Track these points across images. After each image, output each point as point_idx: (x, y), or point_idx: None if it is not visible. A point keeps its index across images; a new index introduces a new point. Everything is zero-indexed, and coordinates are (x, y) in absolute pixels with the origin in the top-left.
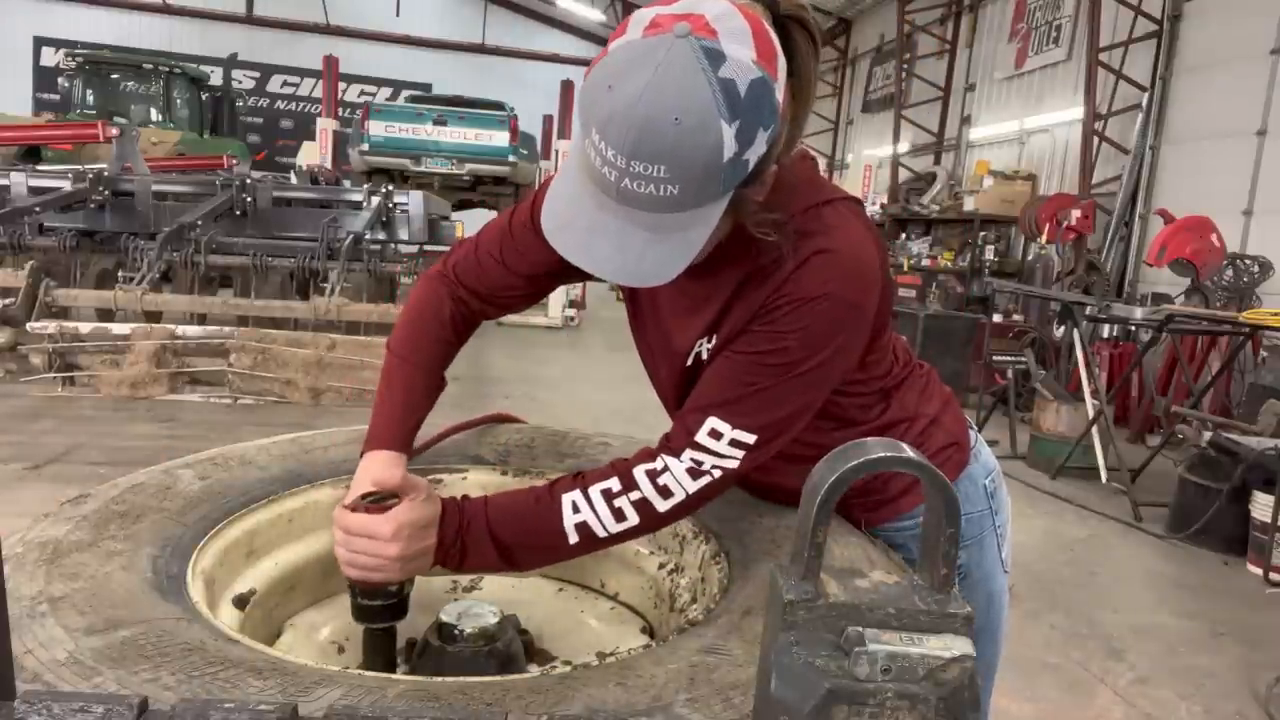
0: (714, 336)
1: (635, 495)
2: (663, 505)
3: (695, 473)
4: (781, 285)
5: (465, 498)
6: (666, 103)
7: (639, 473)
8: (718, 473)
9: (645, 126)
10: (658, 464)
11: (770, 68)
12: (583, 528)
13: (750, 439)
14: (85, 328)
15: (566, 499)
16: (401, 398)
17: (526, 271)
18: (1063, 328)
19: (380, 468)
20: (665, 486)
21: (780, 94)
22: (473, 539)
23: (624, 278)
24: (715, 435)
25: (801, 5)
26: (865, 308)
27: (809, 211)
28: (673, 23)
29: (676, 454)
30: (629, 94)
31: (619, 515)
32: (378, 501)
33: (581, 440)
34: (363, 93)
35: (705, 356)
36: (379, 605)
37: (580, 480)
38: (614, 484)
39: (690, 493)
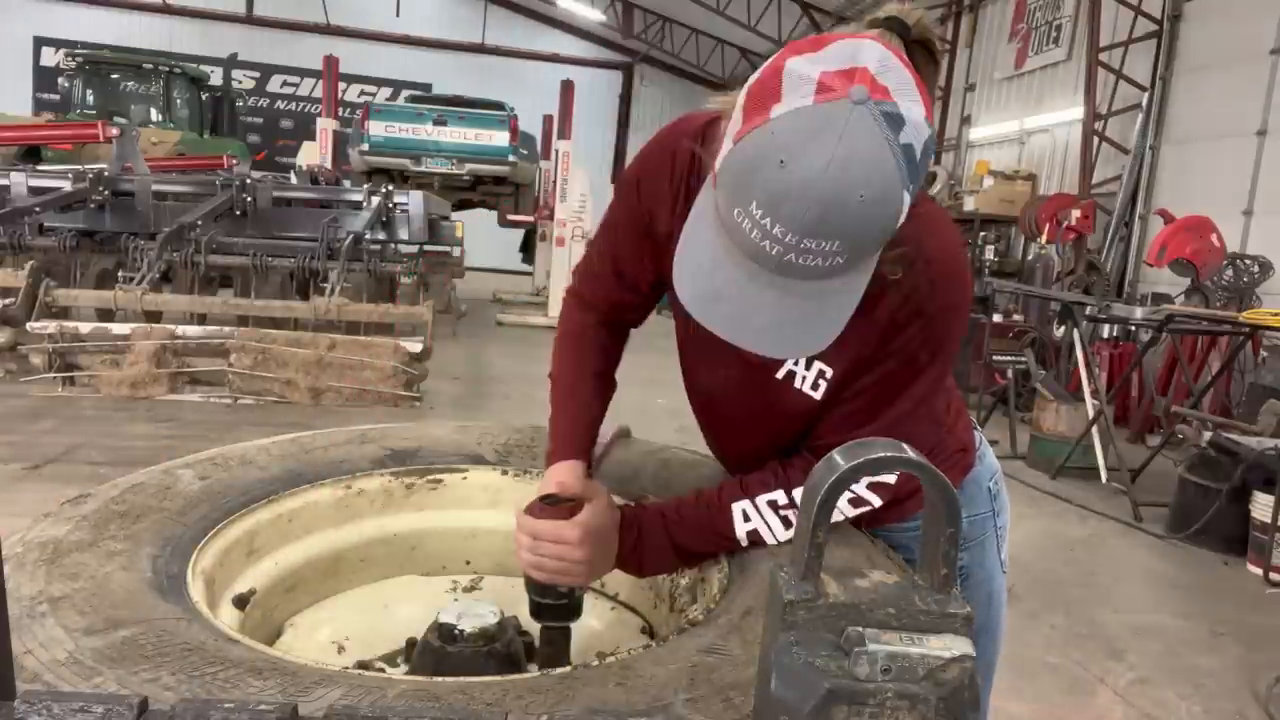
0: (832, 362)
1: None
2: None
3: (857, 501)
4: (902, 305)
5: (641, 506)
6: (852, 179)
7: (799, 495)
8: (877, 500)
9: (829, 205)
10: None
11: (932, 118)
12: (754, 534)
13: None
14: (85, 328)
15: (737, 508)
16: (571, 410)
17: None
18: (1063, 328)
19: (562, 473)
20: None
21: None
22: (651, 546)
23: (784, 351)
24: None
25: (928, 27)
26: (969, 301)
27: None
28: (844, 84)
29: None
30: (809, 172)
31: (786, 524)
32: (554, 503)
33: None
34: (363, 93)
35: (809, 383)
36: (553, 604)
37: (746, 489)
38: (779, 497)
39: (849, 516)
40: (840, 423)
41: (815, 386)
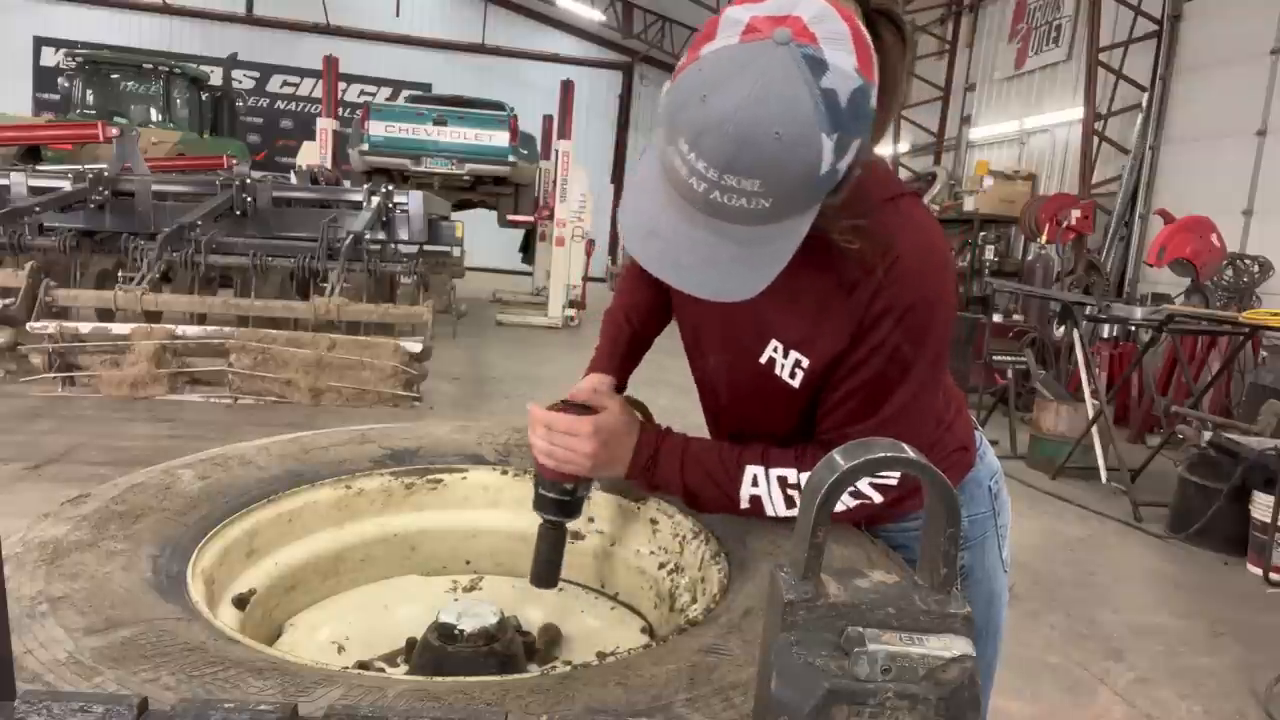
0: (808, 352)
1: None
2: None
3: (856, 494)
4: (873, 300)
5: (664, 433)
6: (768, 115)
7: (805, 480)
8: (878, 497)
9: (744, 140)
10: None
11: (869, 73)
12: (755, 500)
13: None
14: (85, 328)
15: (749, 470)
16: (608, 343)
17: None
18: (1063, 328)
19: (592, 383)
20: None
21: (874, 98)
22: (662, 474)
23: (710, 293)
24: None
25: None
26: (955, 296)
27: (883, 207)
28: (771, 27)
29: None
30: (726, 106)
31: (789, 503)
32: (573, 408)
33: None
34: (363, 93)
35: (787, 371)
36: (555, 499)
37: (765, 457)
38: (790, 474)
39: (850, 507)
40: (841, 422)
41: (793, 375)
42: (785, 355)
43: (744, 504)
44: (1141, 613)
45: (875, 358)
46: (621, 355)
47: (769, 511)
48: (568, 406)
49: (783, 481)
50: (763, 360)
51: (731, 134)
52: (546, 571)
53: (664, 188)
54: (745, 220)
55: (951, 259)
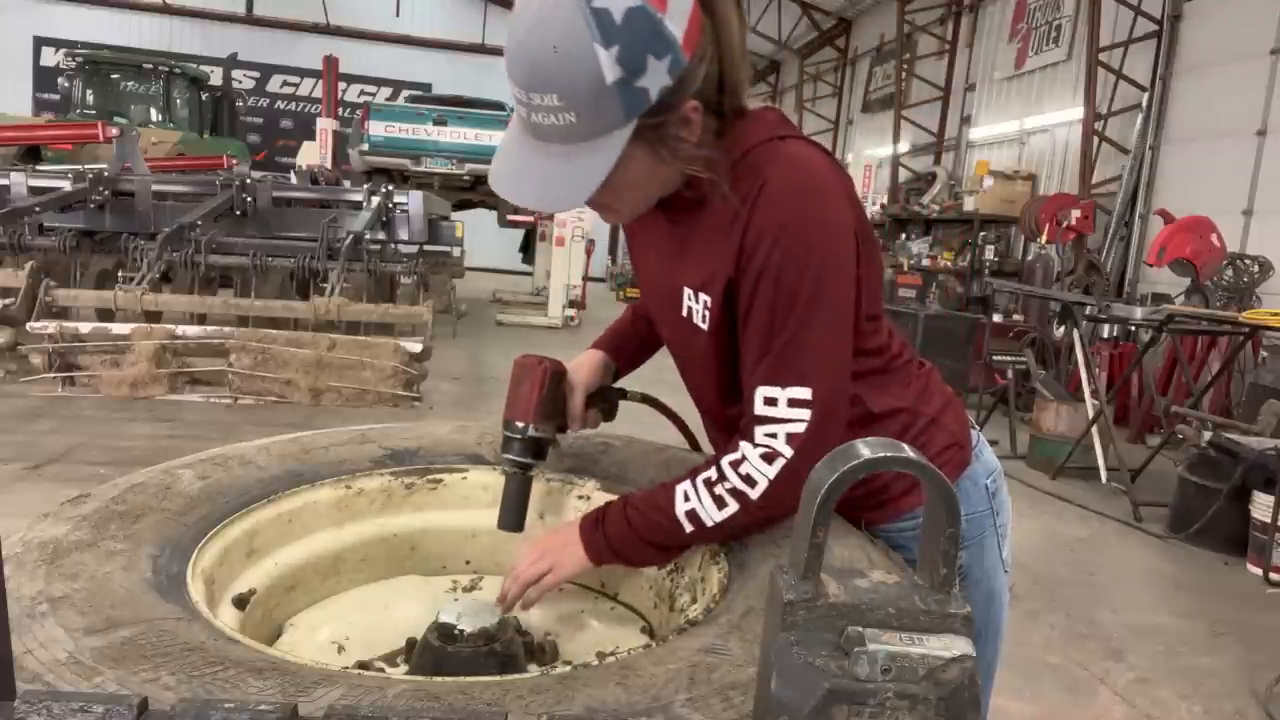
0: (709, 291)
1: (727, 485)
2: (754, 492)
3: (770, 456)
4: (747, 227)
5: (608, 507)
6: (546, 34)
7: (725, 464)
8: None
9: (533, 61)
10: (737, 454)
11: (655, 1)
12: (692, 515)
13: (805, 393)
14: (85, 328)
15: (679, 488)
16: (613, 327)
17: None
18: (1063, 328)
19: (585, 357)
20: (748, 475)
21: (678, 27)
22: (613, 529)
23: (535, 203)
24: (771, 403)
25: None
26: (832, 219)
27: (761, 146)
28: None
29: (750, 439)
30: (519, 34)
31: (720, 503)
32: (536, 358)
33: (581, 440)
34: (363, 93)
35: (700, 316)
36: (512, 438)
37: (691, 472)
38: (711, 474)
39: (771, 478)
40: (750, 367)
41: (704, 319)
42: (696, 299)
43: (688, 526)
44: (1141, 613)
45: (762, 285)
46: (621, 339)
47: (707, 520)
48: (528, 356)
49: (708, 483)
50: (684, 313)
51: (525, 57)
52: (512, 516)
53: (515, 123)
54: (561, 138)
55: (836, 186)
